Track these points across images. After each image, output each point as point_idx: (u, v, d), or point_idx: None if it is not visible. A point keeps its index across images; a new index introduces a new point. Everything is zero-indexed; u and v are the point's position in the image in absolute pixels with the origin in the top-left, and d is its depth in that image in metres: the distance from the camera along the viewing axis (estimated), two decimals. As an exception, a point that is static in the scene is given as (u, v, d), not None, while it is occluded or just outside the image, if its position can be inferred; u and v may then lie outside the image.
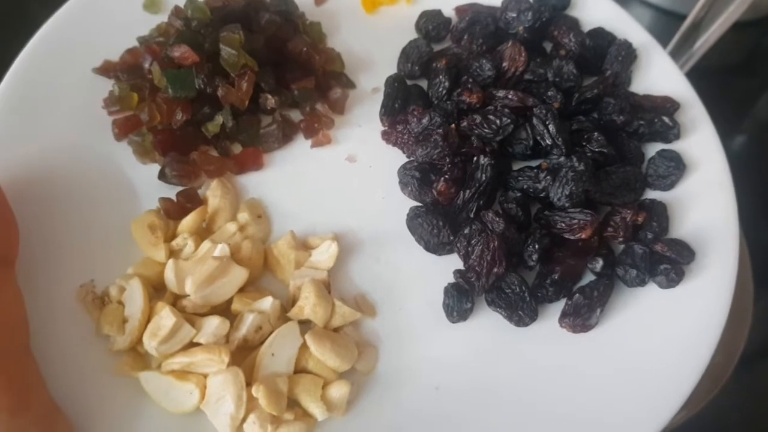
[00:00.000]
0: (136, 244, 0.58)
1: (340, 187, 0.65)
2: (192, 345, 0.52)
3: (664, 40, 0.74)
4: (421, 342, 0.57)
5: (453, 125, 0.63)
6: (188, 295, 0.53)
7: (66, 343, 0.53)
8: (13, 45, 0.67)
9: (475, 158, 0.62)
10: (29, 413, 0.45)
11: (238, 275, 0.54)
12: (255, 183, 0.64)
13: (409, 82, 0.71)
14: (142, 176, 0.63)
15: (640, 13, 1.02)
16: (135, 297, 0.52)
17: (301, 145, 0.67)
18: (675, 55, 0.75)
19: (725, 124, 0.71)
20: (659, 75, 0.72)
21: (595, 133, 0.64)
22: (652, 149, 0.67)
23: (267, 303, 0.53)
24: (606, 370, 0.56)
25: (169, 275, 0.53)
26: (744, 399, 0.74)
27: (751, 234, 0.74)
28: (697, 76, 0.73)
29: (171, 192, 0.62)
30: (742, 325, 0.70)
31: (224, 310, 0.54)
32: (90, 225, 0.59)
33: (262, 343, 0.52)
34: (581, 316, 0.57)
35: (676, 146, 0.67)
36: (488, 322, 0.58)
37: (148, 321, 0.52)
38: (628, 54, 0.71)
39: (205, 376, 0.50)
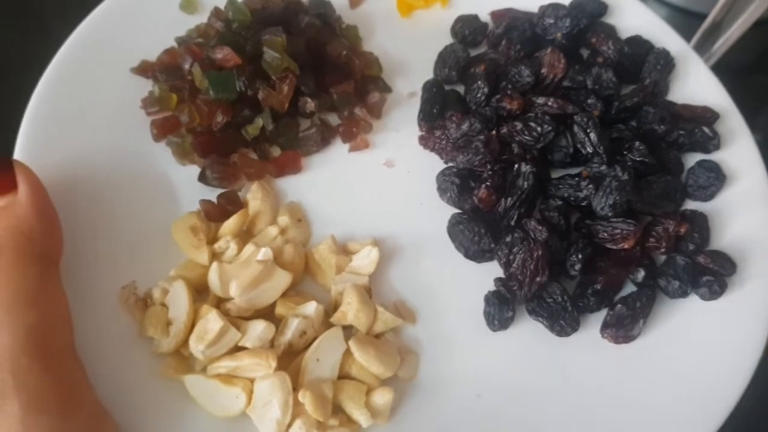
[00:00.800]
0: (176, 245, 0.58)
1: (379, 192, 0.64)
2: (237, 349, 0.51)
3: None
4: (461, 349, 0.57)
5: (493, 132, 0.63)
6: (232, 299, 0.53)
7: (109, 344, 0.52)
8: (52, 43, 0.67)
9: (516, 165, 0.61)
10: (78, 416, 0.44)
11: (282, 279, 0.53)
12: (294, 186, 0.64)
13: (446, 87, 0.71)
14: (180, 177, 0.63)
15: (654, 11, 1.00)
16: (179, 300, 0.52)
17: (339, 149, 0.67)
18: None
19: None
20: (696, 84, 0.71)
21: (637, 143, 0.63)
22: (691, 159, 0.67)
23: (311, 308, 0.53)
24: (648, 381, 0.56)
25: (213, 278, 0.53)
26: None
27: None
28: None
29: (210, 194, 0.61)
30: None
31: (267, 313, 0.54)
32: (130, 225, 0.59)
33: (305, 347, 0.52)
34: (624, 327, 0.56)
35: (714, 157, 0.67)
36: (529, 331, 0.58)
37: (193, 324, 0.52)
38: (666, 63, 0.71)
39: (251, 380, 0.50)
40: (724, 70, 0.75)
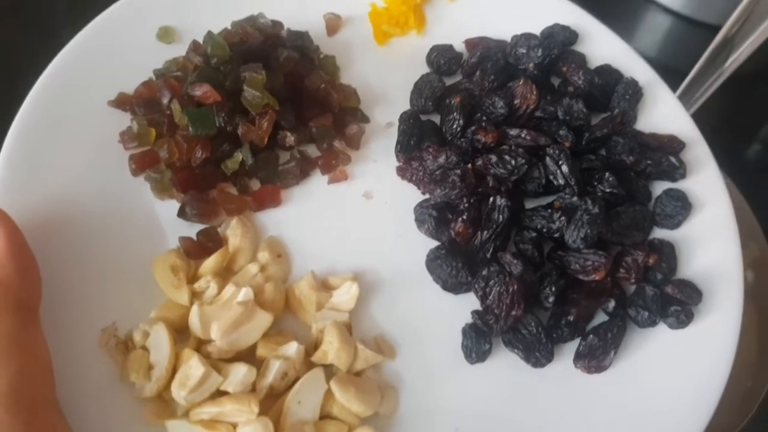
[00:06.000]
0: (156, 283, 0.58)
1: (358, 224, 0.65)
2: (219, 392, 0.52)
3: (683, 50, 0.71)
4: (440, 383, 0.58)
5: (469, 165, 0.64)
6: (213, 340, 0.53)
7: (90, 389, 0.52)
8: (27, 77, 0.66)
9: (491, 199, 0.63)
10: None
11: (263, 320, 0.54)
12: (274, 220, 0.64)
13: (422, 117, 0.72)
14: (159, 213, 0.63)
15: (660, 20, 0.95)
16: (161, 343, 0.52)
17: (318, 181, 0.67)
18: (704, 72, 0.74)
19: (744, 131, 0.68)
20: (664, 113, 0.73)
21: (607, 174, 0.65)
22: (658, 187, 0.69)
23: (292, 349, 0.53)
24: (620, 408, 0.58)
25: (194, 321, 0.53)
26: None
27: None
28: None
29: (189, 229, 0.62)
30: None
31: (249, 355, 0.55)
32: (109, 264, 0.59)
33: (287, 389, 0.53)
34: (596, 358, 0.58)
35: (680, 185, 0.69)
36: (505, 363, 0.59)
37: (175, 368, 0.52)
38: (635, 92, 0.73)
39: (234, 425, 0.51)
40: (728, 80, 0.73)
